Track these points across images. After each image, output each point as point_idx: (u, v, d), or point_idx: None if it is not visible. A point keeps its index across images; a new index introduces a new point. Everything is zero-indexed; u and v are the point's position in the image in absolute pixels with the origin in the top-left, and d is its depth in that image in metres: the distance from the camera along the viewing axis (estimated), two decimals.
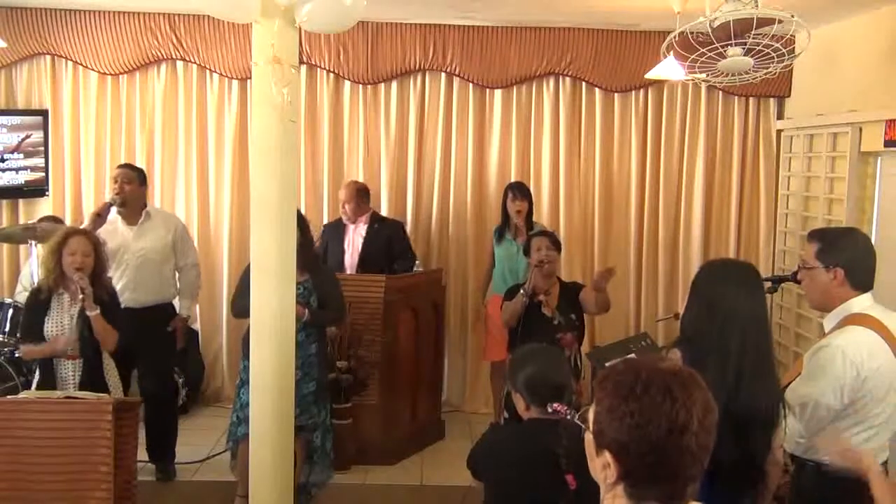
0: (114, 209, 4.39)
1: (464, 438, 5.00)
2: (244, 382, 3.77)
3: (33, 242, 4.53)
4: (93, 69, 5.53)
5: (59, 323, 3.55)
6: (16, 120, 5.44)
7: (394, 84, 5.71)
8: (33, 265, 4.52)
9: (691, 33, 3.47)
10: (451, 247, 5.81)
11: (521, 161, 5.79)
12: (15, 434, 3.15)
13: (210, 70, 5.60)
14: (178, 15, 5.47)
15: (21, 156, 5.43)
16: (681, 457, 1.24)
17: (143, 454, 4.18)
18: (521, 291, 4.08)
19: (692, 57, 3.55)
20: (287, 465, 3.36)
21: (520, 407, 2.46)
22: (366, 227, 5.13)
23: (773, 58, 3.47)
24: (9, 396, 3.46)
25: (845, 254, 2.46)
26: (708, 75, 3.77)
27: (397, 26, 5.56)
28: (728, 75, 3.71)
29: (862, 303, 2.45)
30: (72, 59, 5.52)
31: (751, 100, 5.73)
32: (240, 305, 3.88)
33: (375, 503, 4.38)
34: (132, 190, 4.40)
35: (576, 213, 5.81)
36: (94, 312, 3.50)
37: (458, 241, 5.80)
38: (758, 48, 3.40)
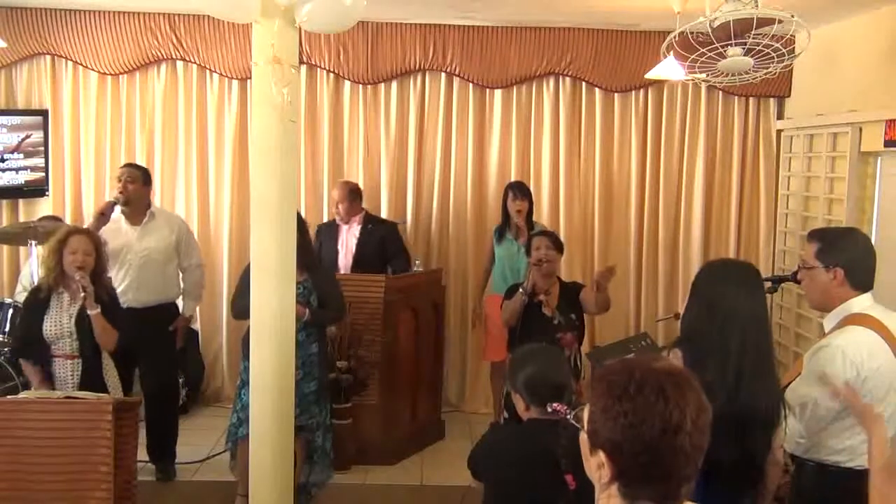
0: (117, 208, 4.39)
1: (464, 438, 5.01)
2: (245, 383, 3.77)
3: (33, 242, 4.53)
4: (93, 69, 5.54)
5: (58, 322, 3.54)
6: (16, 120, 5.44)
7: (394, 84, 5.71)
8: (33, 265, 4.52)
9: (691, 33, 3.47)
10: (451, 247, 5.81)
11: (521, 161, 5.79)
12: (15, 434, 3.15)
13: (210, 70, 5.60)
14: (178, 15, 5.47)
15: (21, 156, 5.43)
16: (674, 457, 1.24)
17: (143, 454, 4.18)
18: (521, 290, 4.08)
19: (692, 57, 3.55)
20: (287, 465, 3.36)
21: (519, 407, 2.46)
22: (359, 227, 5.12)
23: (773, 58, 3.47)
24: (9, 396, 3.45)
25: (845, 254, 2.46)
26: (708, 75, 3.77)
27: (397, 26, 5.56)
28: (728, 75, 3.71)
29: (862, 303, 2.45)
30: (72, 59, 5.52)
31: (751, 100, 5.73)
32: (239, 306, 3.88)
33: (375, 503, 4.38)
34: (136, 189, 4.40)
35: (576, 213, 5.81)
36: (94, 311, 3.50)
37: (458, 241, 5.80)
38: (758, 48, 3.40)
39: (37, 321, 3.55)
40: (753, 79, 3.71)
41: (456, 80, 5.71)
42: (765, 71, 3.60)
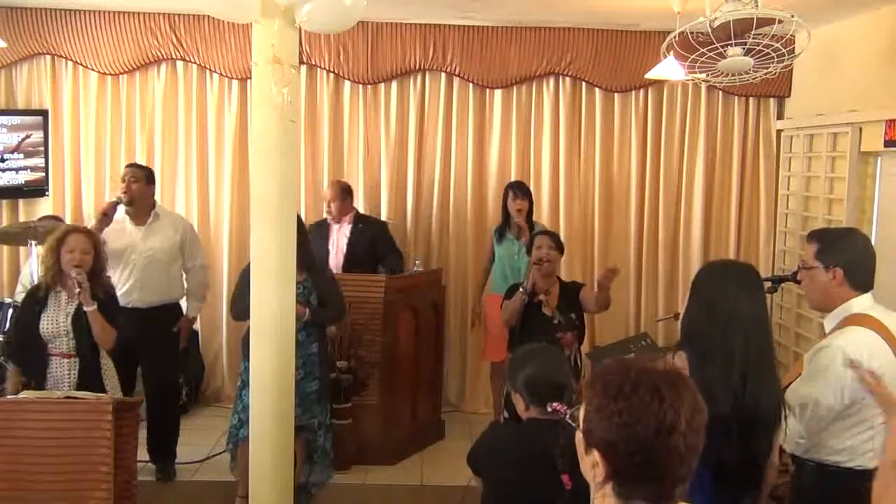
0: (121, 208, 4.39)
1: (464, 438, 5.00)
2: (245, 384, 3.76)
3: (33, 242, 4.53)
4: (93, 69, 5.54)
5: (55, 321, 3.55)
6: (16, 120, 5.44)
7: (394, 84, 5.71)
8: (33, 265, 4.52)
9: (691, 33, 3.47)
10: (451, 247, 5.81)
11: (521, 161, 5.79)
12: (15, 434, 3.15)
13: (210, 70, 5.60)
14: (178, 15, 5.47)
15: (21, 156, 5.43)
16: (668, 457, 1.24)
17: (143, 454, 4.18)
18: (521, 290, 4.09)
19: (692, 57, 3.55)
20: (287, 465, 3.36)
21: (519, 407, 2.46)
22: (350, 227, 5.13)
23: (773, 58, 3.47)
24: (9, 396, 3.45)
25: (845, 254, 2.46)
26: (708, 75, 3.77)
27: (397, 26, 5.56)
28: (728, 75, 3.71)
29: (862, 303, 2.45)
30: (72, 59, 5.52)
31: (751, 100, 5.73)
32: (239, 308, 3.88)
33: (375, 503, 4.38)
34: (139, 188, 4.41)
35: (576, 213, 5.81)
36: (90, 308, 3.50)
37: (458, 241, 5.80)
38: (758, 48, 3.40)
39: (33, 320, 3.55)
40: (753, 79, 3.71)
41: (456, 80, 5.71)
42: (765, 71, 3.60)
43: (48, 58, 5.54)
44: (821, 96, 5.18)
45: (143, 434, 4.02)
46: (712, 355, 2.18)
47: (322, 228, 5.13)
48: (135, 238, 4.43)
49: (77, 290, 3.47)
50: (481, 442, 2.60)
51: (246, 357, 3.77)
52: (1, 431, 3.16)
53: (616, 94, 5.74)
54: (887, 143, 4.42)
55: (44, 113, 5.53)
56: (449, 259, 5.80)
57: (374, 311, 4.74)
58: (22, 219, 5.53)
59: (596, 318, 5.52)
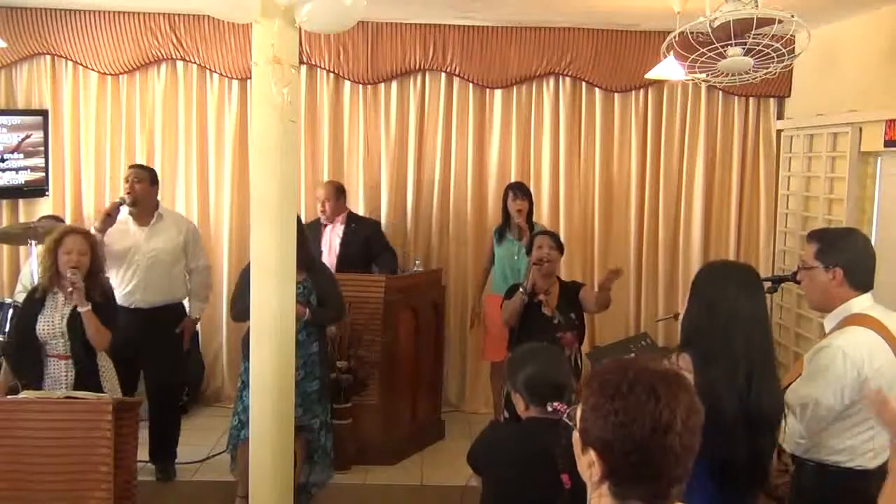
0: (125, 209, 4.40)
1: (464, 438, 4.99)
2: (245, 385, 3.76)
3: (33, 242, 4.53)
4: (93, 69, 5.54)
5: (51, 322, 3.55)
6: (16, 120, 5.44)
7: (394, 84, 5.71)
8: (33, 265, 4.52)
9: (691, 33, 3.47)
10: (451, 247, 5.81)
11: (521, 161, 5.79)
12: (15, 434, 3.15)
13: (210, 70, 5.60)
14: (178, 15, 5.47)
15: (21, 156, 5.43)
16: (664, 457, 1.24)
17: (143, 454, 4.18)
18: (521, 290, 4.09)
19: (692, 57, 3.55)
20: (287, 465, 3.36)
21: (519, 407, 2.46)
22: (342, 227, 5.14)
23: (773, 58, 3.47)
24: (9, 396, 3.45)
25: (845, 254, 2.46)
26: (708, 75, 3.77)
27: (397, 26, 5.56)
28: (728, 75, 3.71)
29: (862, 303, 2.45)
30: (72, 59, 5.52)
31: (751, 100, 5.73)
32: (239, 309, 3.88)
33: (375, 503, 4.38)
34: (143, 189, 4.41)
35: (576, 213, 5.81)
36: (84, 309, 3.50)
37: (458, 241, 5.80)
38: (758, 48, 3.40)
39: (30, 321, 3.56)
40: (753, 79, 3.71)
41: (456, 80, 5.71)
42: (765, 71, 3.60)
43: (48, 58, 5.54)
44: (821, 96, 5.18)
45: (143, 434, 4.02)
46: (715, 356, 2.18)
47: (315, 229, 5.13)
48: (138, 239, 4.44)
49: (70, 290, 3.48)
50: (481, 441, 2.60)
51: (246, 358, 3.77)
52: (1, 431, 3.16)
53: (616, 94, 5.74)
54: (887, 143, 4.42)
55: (44, 113, 5.53)
56: (449, 259, 5.80)
57: (374, 311, 4.74)
58: (22, 219, 5.53)
59: (596, 318, 5.52)
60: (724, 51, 3.44)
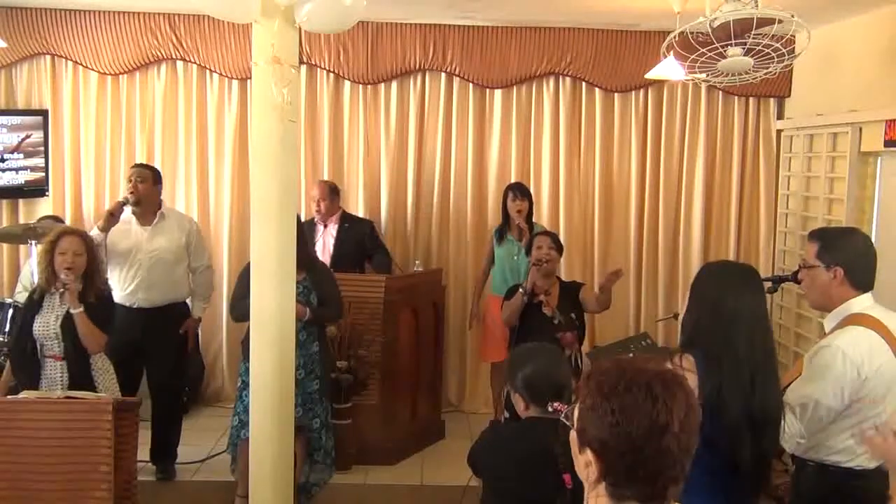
0: (128, 209, 4.40)
1: (464, 438, 5.00)
2: (246, 385, 3.76)
3: (33, 242, 4.53)
4: (93, 69, 5.53)
5: (46, 323, 3.56)
6: (16, 120, 5.43)
7: (394, 84, 5.71)
8: (33, 265, 4.52)
9: (691, 33, 3.47)
10: (451, 247, 5.81)
11: (521, 161, 5.79)
12: (15, 434, 3.15)
13: (210, 70, 5.60)
14: (178, 15, 5.47)
15: (21, 156, 5.43)
16: (661, 457, 1.24)
17: (143, 454, 4.18)
18: (521, 290, 4.09)
19: (692, 57, 3.55)
20: (287, 465, 3.37)
21: (519, 407, 2.46)
22: (336, 226, 5.14)
23: (773, 58, 3.46)
24: (9, 396, 3.45)
25: (845, 254, 2.46)
26: (708, 75, 3.77)
27: (397, 26, 5.56)
28: (728, 75, 3.71)
29: (862, 303, 2.45)
30: (72, 59, 5.52)
31: (751, 100, 5.73)
32: (239, 309, 3.88)
33: (375, 503, 4.38)
34: (146, 189, 4.41)
35: (576, 213, 5.81)
36: (76, 310, 3.50)
37: (458, 241, 5.80)
38: (758, 48, 3.40)
39: (28, 322, 3.58)
40: (753, 79, 3.71)
41: (456, 80, 5.71)
42: (765, 71, 3.59)
43: (48, 58, 5.54)
44: (821, 96, 5.18)
45: (144, 434, 4.01)
46: (718, 357, 2.18)
47: (309, 228, 5.13)
48: (140, 238, 4.44)
49: (61, 289, 3.48)
50: (481, 441, 2.60)
51: (246, 358, 3.77)
52: (1, 431, 3.16)
53: (616, 94, 5.74)
54: (887, 143, 4.42)
55: (44, 113, 5.52)
56: (449, 259, 5.80)
57: (374, 311, 4.74)
58: (22, 219, 5.53)
59: (596, 318, 5.52)
60: (724, 51, 3.44)
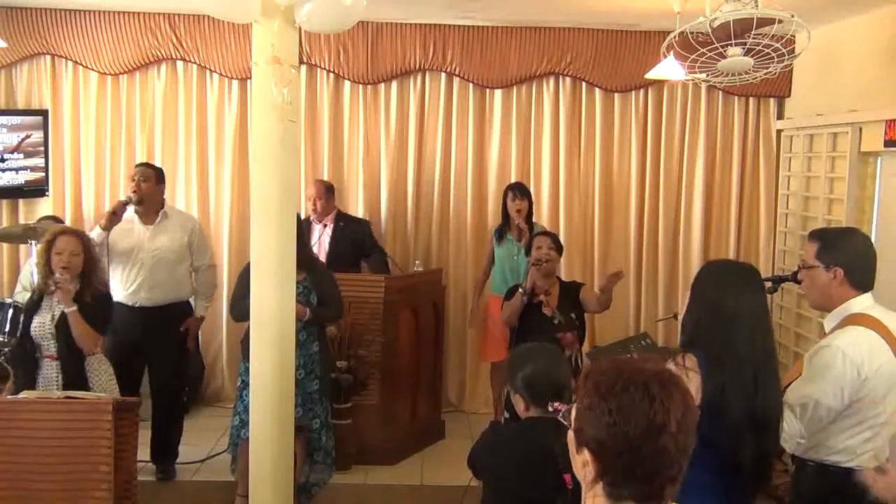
0: (130, 208, 4.40)
1: (464, 438, 5.00)
2: (246, 384, 3.76)
3: (33, 242, 4.53)
4: (93, 69, 5.53)
5: (42, 322, 3.57)
6: (16, 120, 5.43)
7: (394, 84, 5.71)
8: (33, 265, 4.52)
9: (691, 33, 3.47)
10: (451, 247, 5.81)
11: (521, 161, 5.79)
12: (15, 434, 3.15)
13: (210, 70, 5.60)
14: (178, 15, 5.47)
15: (21, 156, 5.43)
16: (658, 457, 1.24)
17: (144, 454, 4.18)
18: (520, 290, 4.09)
19: (692, 57, 3.55)
20: (287, 465, 3.37)
21: (519, 408, 2.46)
22: (332, 226, 5.16)
23: (773, 58, 3.46)
24: (9, 396, 3.45)
25: (845, 254, 2.46)
26: (708, 75, 3.77)
27: (397, 26, 5.56)
28: (728, 75, 3.71)
29: (862, 303, 2.45)
30: (72, 59, 5.52)
31: (751, 100, 5.73)
32: (239, 309, 3.88)
33: (375, 503, 4.38)
34: (149, 188, 4.42)
35: (576, 213, 5.81)
36: (69, 309, 3.50)
37: (458, 241, 5.80)
38: (758, 48, 3.40)
39: (28, 322, 3.59)
40: (753, 79, 3.71)
41: (456, 80, 5.71)
42: (765, 71, 3.59)
43: (48, 58, 5.54)
44: (821, 96, 5.18)
45: (144, 434, 4.01)
46: (720, 357, 2.17)
47: (306, 227, 5.14)
48: (143, 237, 4.45)
49: (52, 287, 3.48)
50: (481, 442, 2.60)
51: (246, 358, 3.77)
52: (1, 431, 3.15)
53: (616, 94, 5.74)
54: (887, 143, 4.42)
55: (44, 113, 5.52)
56: (449, 259, 5.80)
57: (374, 311, 4.74)
58: (22, 219, 5.53)
59: (596, 318, 5.52)
60: (724, 51, 3.44)
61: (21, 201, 5.61)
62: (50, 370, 3.56)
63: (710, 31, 3.35)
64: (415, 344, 5.03)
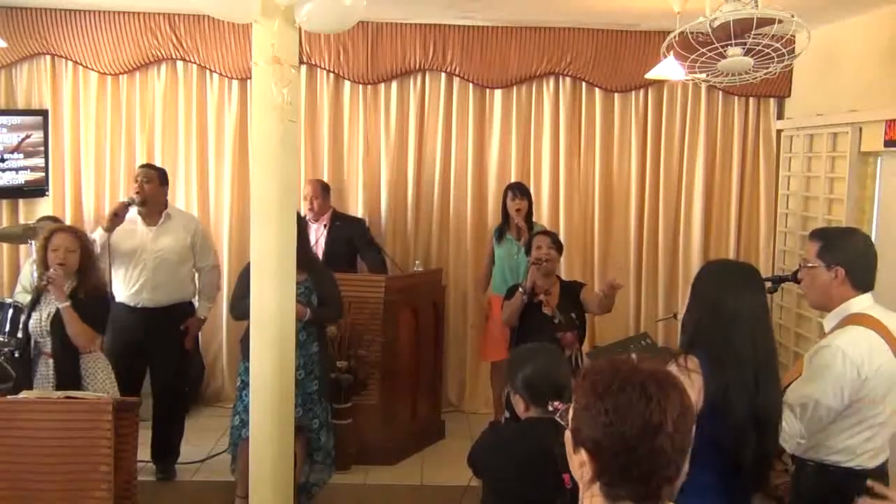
0: (133, 209, 4.40)
1: (464, 438, 4.99)
2: (245, 384, 3.76)
3: (33, 242, 4.53)
4: (93, 69, 5.53)
5: (39, 319, 3.57)
6: (16, 120, 5.43)
7: (394, 84, 5.71)
8: (33, 265, 4.53)
9: (691, 33, 3.47)
10: (451, 247, 5.81)
11: (521, 161, 5.79)
12: (15, 434, 3.15)
13: (210, 70, 5.60)
14: (178, 15, 5.47)
15: (21, 156, 5.43)
16: (655, 457, 1.24)
17: (144, 454, 4.18)
18: (520, 290, 4.09)
19: (692, 57, 3.55)
20: (287, 465, 3.37)
21: (519, 408, 2.45)
22: (327, 225, 5.16)
23: (773, 58, 3.46)
24: (9, 396, 3.45)
25: (846, 254, 2.46)
26: (708, 75, 3.77)
27: (397, 26, 5.56)
28: (728, 75, 3.71)
29: (862, 303, 2.45)
30: (72, 59, 5.52)
31: (751, 100, 5.73)
32: (240, 308, 3.88)
33: (375, 503, 4.38)
34: (152, 189, 4.42)
35: (576, 213, 5.81)
36: (62, 305, 3.50)
37: (458, 241, 5.80)
38: (758, 48, 3.40)
39: (27, 319, 3.60)
40: (753, 79, 3.71)
41: (456, 80, 5.70)
42: (765, 71, 3.59)
43: (48, 58, 5.54)
44: (821, 96, 5.18)
45: (145, 434, 4.01)
46: (721, 358, 2.17)
47: None
48: (145, 238, 4.45)
49: (44, 282, 3.48)
50: (481, 441, 2.59)
51: (245, 357, 3.77)
52: (1, 431, 3.15)
53: (616, 94, 5.74)
54: (887, 143, 4.42)
55: (44, 113, 5.52)
56: (449, 259, 5.80)
57: (374, 311, 4.74)
58: (22, 219, 5.53)
59: (596, 318, 5.51)
60: (724, 51, 3.44)
61: (21, 201, 5.61)
62: (45, 368, 3.57)
63: (710, 31, 3.35)
64: (415, 344, 5.03)
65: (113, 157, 5.62)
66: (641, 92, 5.75)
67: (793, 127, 5.55)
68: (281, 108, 3.03)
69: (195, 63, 5.58)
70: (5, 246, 5.54)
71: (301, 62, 4.95)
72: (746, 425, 2.15)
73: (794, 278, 2.79)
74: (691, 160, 5.78)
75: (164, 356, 4.48)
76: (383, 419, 4.81)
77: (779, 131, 5.74)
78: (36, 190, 5.53)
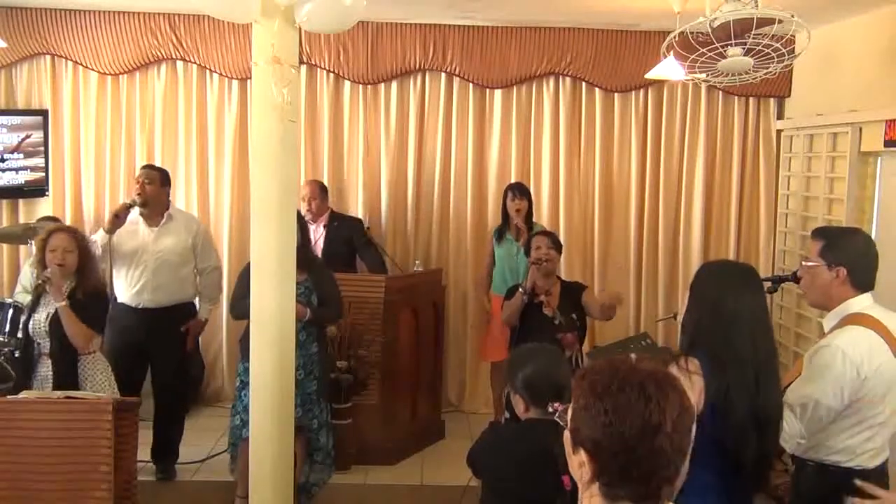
0: (135, 210, 4.40)
1: (464, 438, 4.99)
2: (245, 384, 3.76)
3: (33, 242, 4.54)
4: (93, 69, 5.53)
5: (38, 320, 3.57)
6: (16, 120, 5.43)
7: (394, 84, 5.71)
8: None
9: (691, 33, 3.47)
10: (451, 247, 5.81)
11: (521, 161, 5.79)
12: (15, 434, 3.15)
13: (210, 70, 5.60)
14: (178, 15, 5.47)
15: (21, 156, 5.43)
16: (654, 457, 1.24)
17: (144, 454, 4.18)
18: (520, 290, 4.09)
19: (692, 57, 3.55)
20: (287, 465, 3.37)
21: (519, 408, 2.45)
22: (325, 225, 5.17)
23: (773, 58, 3.46)
24: (9, 396, 3.45)
25: (848, 253, 2.46)
26: (708, 75, 3.77)
27: (397, 26, 5.56)
28: (728, 75, 3.71)
29: (862, 303, 2.45)
30: (72, 59, 5.52)
31: (751, 100, 5.73)
32: (240, 308, 3.88)
33: (375, 503, 4.38)
34: (153, 190, 4.42)
35: (576, 213, 5.81)
36: (60, 304, 3.50)
37: (458, 241, 5.80)
38: (758, 48, 3.40)
39: (26, 320, 3.60)
40: (753, 79, 3.71)
41: (456, 80, 5.70)
42: (765, 71, 3.59)
43: (48, 58, 5.54)
44: (821, 96, 5.18)
45: (145, 434, 4.01)
46: (721, 358, 2.17)
47: None
48: (147, 239, 4.44)
49: (40, 281, 3.48)
50: (481, 442, 2.59)
51: (245, 357, 3.77)
52: (1, 431, 3.15)
53: (616, 94, 5.74)
54: (887, 143, 4.42)
55: (44, 113, 5.52)
56: (449, 259, 5.80)
57: (374, 311, 4.74)
58: (22, 219, 5.53)
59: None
60: (724, 51, 3.44)
61: (21, 201, 5.61)
62: (45, 368, 3.57)
63: (710, 31, 3.35)
64: (415, 344, 5.03)
65: (113, 157, 5.62)
66: (641, 92, 5.75)
67: (793, 127, 5.55)
68: (281, 108, 3.03)
69: (195, 63, 5.58)
70: (5, 246, 5.54)
71: (301, 62, 4.95)
72: (747, 425, 2.15)
73: (794, 278, 2.79)
74: (691, 160, 5.78)
75: (165, 356, 4.48)
76: (383, 419, 4.81)
77: (779, 131, 5.74)
78: (36, 190, 5.53)
